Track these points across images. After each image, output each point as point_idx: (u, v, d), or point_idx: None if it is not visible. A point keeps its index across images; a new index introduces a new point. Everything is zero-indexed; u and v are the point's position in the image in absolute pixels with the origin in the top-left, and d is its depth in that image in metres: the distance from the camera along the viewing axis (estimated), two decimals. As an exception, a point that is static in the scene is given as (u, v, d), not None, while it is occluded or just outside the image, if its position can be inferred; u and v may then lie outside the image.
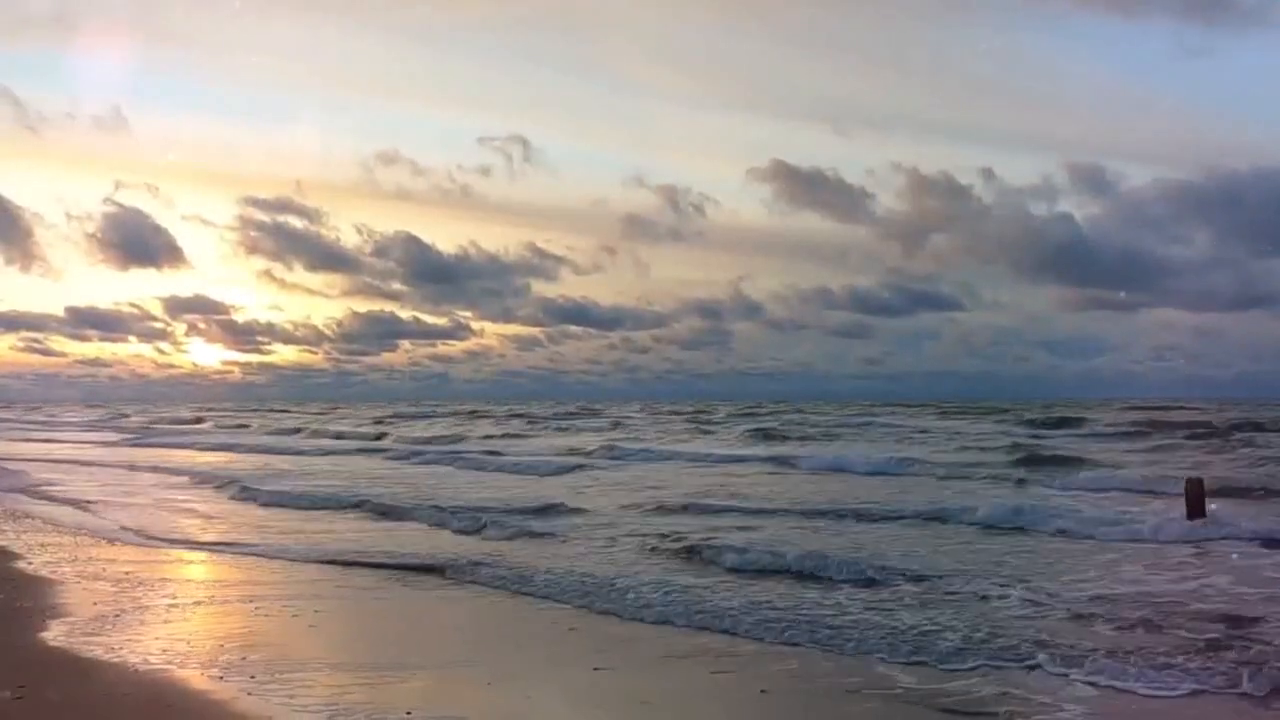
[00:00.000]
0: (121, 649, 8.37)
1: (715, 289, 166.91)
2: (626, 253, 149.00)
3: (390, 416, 74.26)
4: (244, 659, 8.08)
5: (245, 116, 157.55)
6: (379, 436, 48.19)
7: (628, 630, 9.33)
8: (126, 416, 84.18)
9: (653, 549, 13.35)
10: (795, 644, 8.62)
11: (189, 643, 8.62)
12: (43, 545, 14.19)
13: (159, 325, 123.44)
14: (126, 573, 12.05)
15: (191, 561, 13.40)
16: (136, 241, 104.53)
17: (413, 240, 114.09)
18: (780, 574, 11.54)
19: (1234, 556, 12.32)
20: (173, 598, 10.72)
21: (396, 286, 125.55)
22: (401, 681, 7.56)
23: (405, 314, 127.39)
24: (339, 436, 49.60)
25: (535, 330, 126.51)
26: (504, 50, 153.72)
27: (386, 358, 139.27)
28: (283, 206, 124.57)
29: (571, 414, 73.56)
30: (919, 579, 10.96)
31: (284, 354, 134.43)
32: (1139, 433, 36.58)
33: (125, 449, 41.19)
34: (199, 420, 72.84)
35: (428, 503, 18.79)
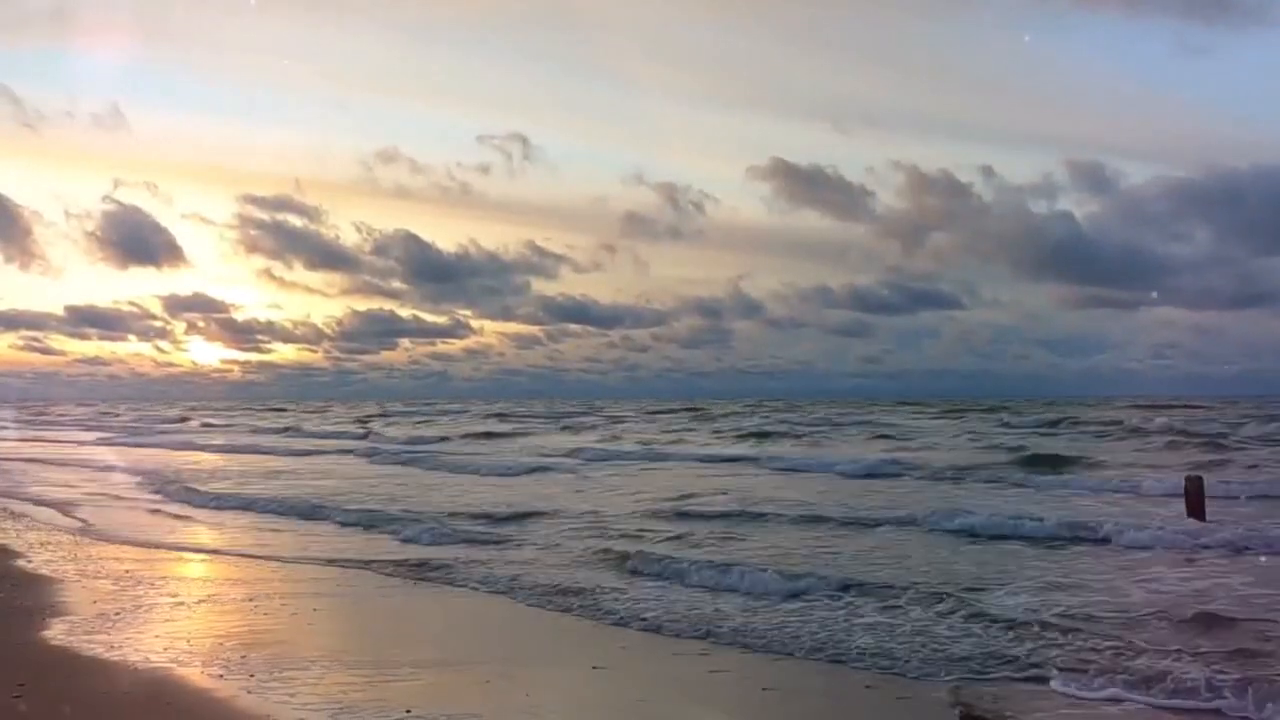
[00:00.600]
0: (122, 647, 8.38)
1: (715, 287, 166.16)
2: (626, 251, 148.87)
3: (375, 415, 73.81)
4: (244, 657, 8.09)
5: (244, 114, 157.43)
6: (365, 435, 47.99)
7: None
8: (116, 415, 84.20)
9: (577, 558, 12.95)
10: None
11: (189, 641, 8.63)
12: (44, 544, 14.20)
13: (158, 324, 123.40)
14: (127, 571, 12.07)
15: (191, 560, 13.41)
16: (136, 240, 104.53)
17: (412, 238, 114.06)
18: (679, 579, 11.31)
19: (1231, 562, 11.93)
20: (173, 596, 10.73)
21: (396, 285, 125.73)
22: (401, 679, 7.57)
23: (405, 312, 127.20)
24: (322, 435, 49.24)
25: (535, 328, 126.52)
26: (503, 48, 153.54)
27: (386, 356, 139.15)
28: (282, 205, 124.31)
29: (555, 414, 73.29)
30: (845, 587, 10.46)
31: (283, 353, 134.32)
32: (1138, 432, 36.50)
33: (91, 447, 41.30)
34: (184, 419, 72.94)
35: (359, 506, 18.39)
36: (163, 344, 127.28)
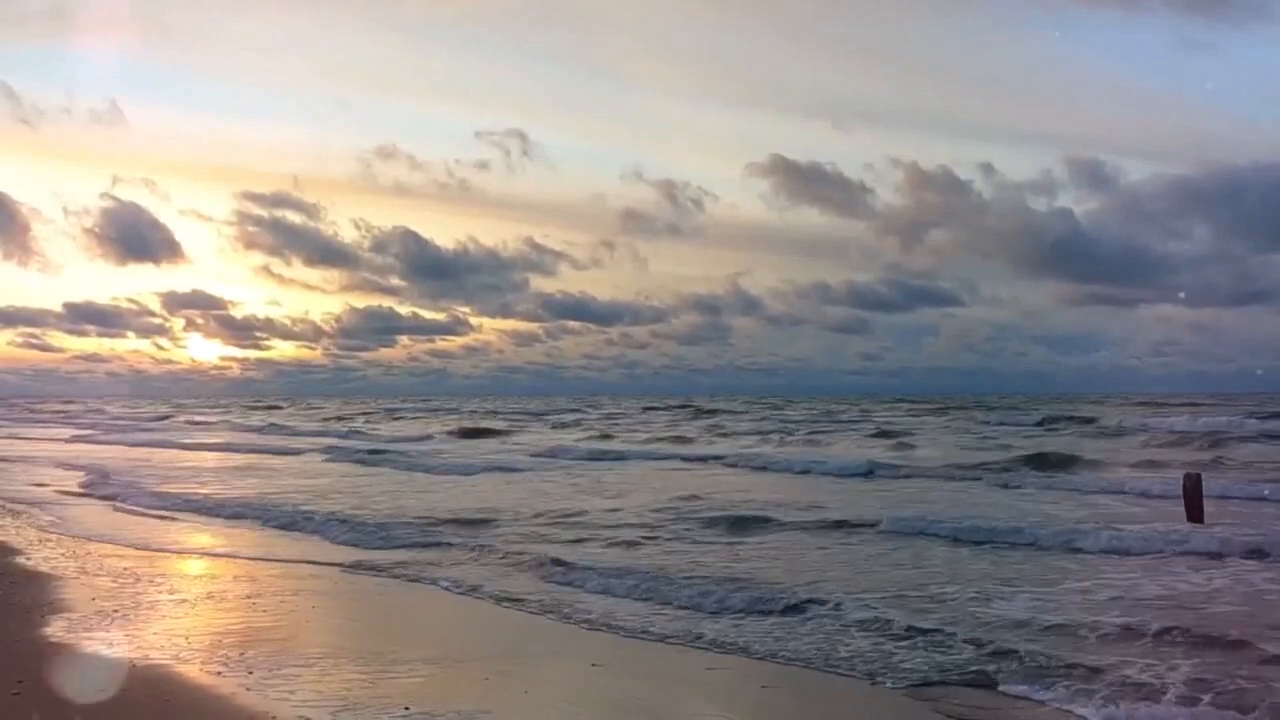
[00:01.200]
0: (121, 644, 8.38)
1: (714, 284, 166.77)
2: (625, 248, 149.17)
3: (357, 414, 73.69)
4: (243, 654, 8.09)
5: (242, 111, 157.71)
6: (347, 434, 47.78)
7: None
8: (100, 412, 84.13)
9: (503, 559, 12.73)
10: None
11: (188, 638, 8.63)
12: (42, 540, 14.20)
13: (157, 321, 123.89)
14: (126, 568, 12.07)
15: (191, 557, 13.40)
16: (134, 236, 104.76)
17: (411, 235, 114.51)
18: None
19: (1230, 570, 11.42)
20: (172, 593, 10.74)
21: (395, 282, 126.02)
22: (400, 676, 7.58)
23: (404, 309, 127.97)
24: (298, 433, 48.93)
25: (534, 326, 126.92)
26: (502, 45, 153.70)
27: (385, 353, 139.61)
28: (280, 201, 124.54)
29: (542, 411, 73.13)
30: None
31: (282, 349, 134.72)
32: (1136, 430, 36.46)
33: (55, 444, 41.44)
34: (166, 417, 72.85)
35: (273, 507, 18.07)
36: (161, 341, 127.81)
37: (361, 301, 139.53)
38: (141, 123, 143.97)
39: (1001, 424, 45.29)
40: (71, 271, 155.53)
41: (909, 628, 8.75)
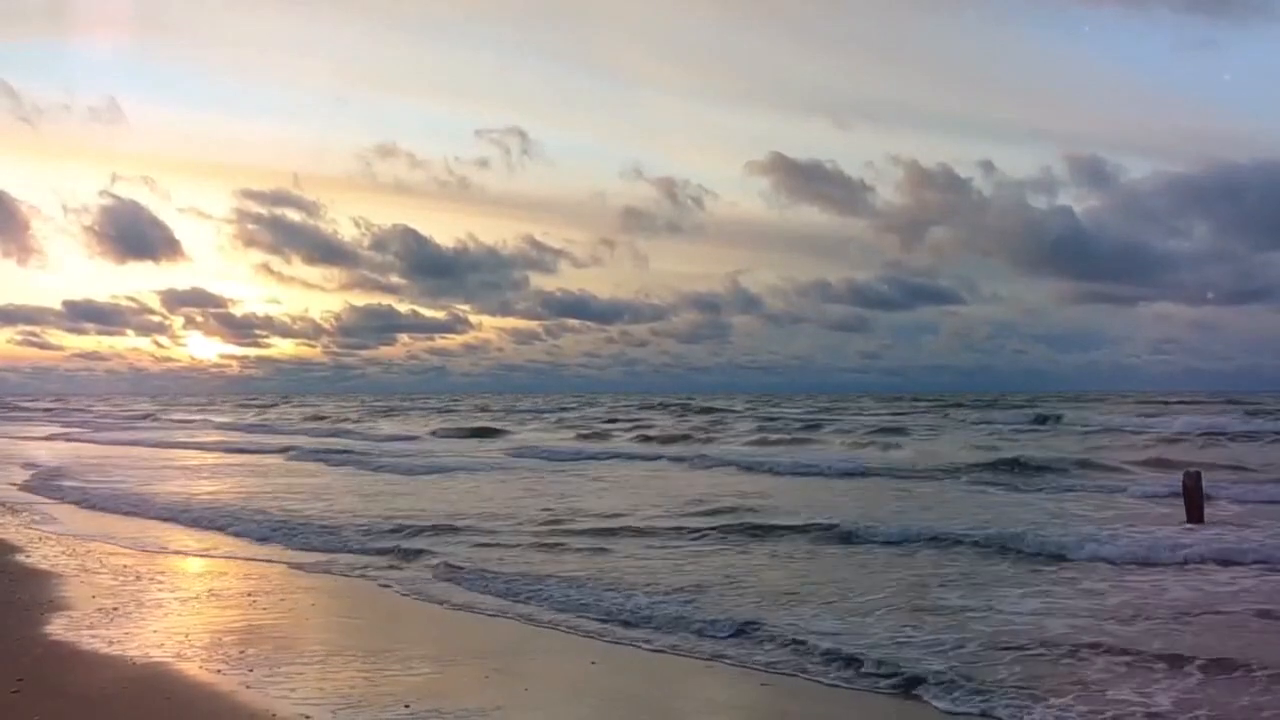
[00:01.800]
0: (121, 642, 8.39)
1: (713, 282, 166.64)
2: (625, 246, 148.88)
3: (351, 412, 73.47)
4: (243, 653, 8.09)
5: (242, 109, 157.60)
6: (332, 433, 47.34)
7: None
8: (88, 410, 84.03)
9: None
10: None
11: (188, 636, 8.64)
12: (43, 538, 14.20)
13: (156, 319, 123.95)
14: (125, 566, 12.08)
15: (191, 556, 13.40)
16: (133, 234, 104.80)
17: (411, 233, 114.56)
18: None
19: (1201, 578, 10.78)
20: (172, 591, 10.74)
21: (394, 280, 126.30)
22: (400, 675, 7.58)
23: (403, 307, 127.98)
24: (275, 431, 48.73)
25: (533, 324, 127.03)
26: (502, 42, 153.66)
27: (384, 351, 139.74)
28: (280, 199, 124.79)
29: (535, 410, 73.07)
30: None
31: (282, 347, 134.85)
32: (1136, 429, 36.38)
33: (29, 441, 41.60)
34: (149, 415, 73.08)
35: (196, 506, 17.87)
36: (161, 339, 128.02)
37: (361, 299, 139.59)
38: (141, 120, 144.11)
39: (999, 423, 45.04)
40: (71, 269, 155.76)
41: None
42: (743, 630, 8.77)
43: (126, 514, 17.41)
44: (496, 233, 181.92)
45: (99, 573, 11.60)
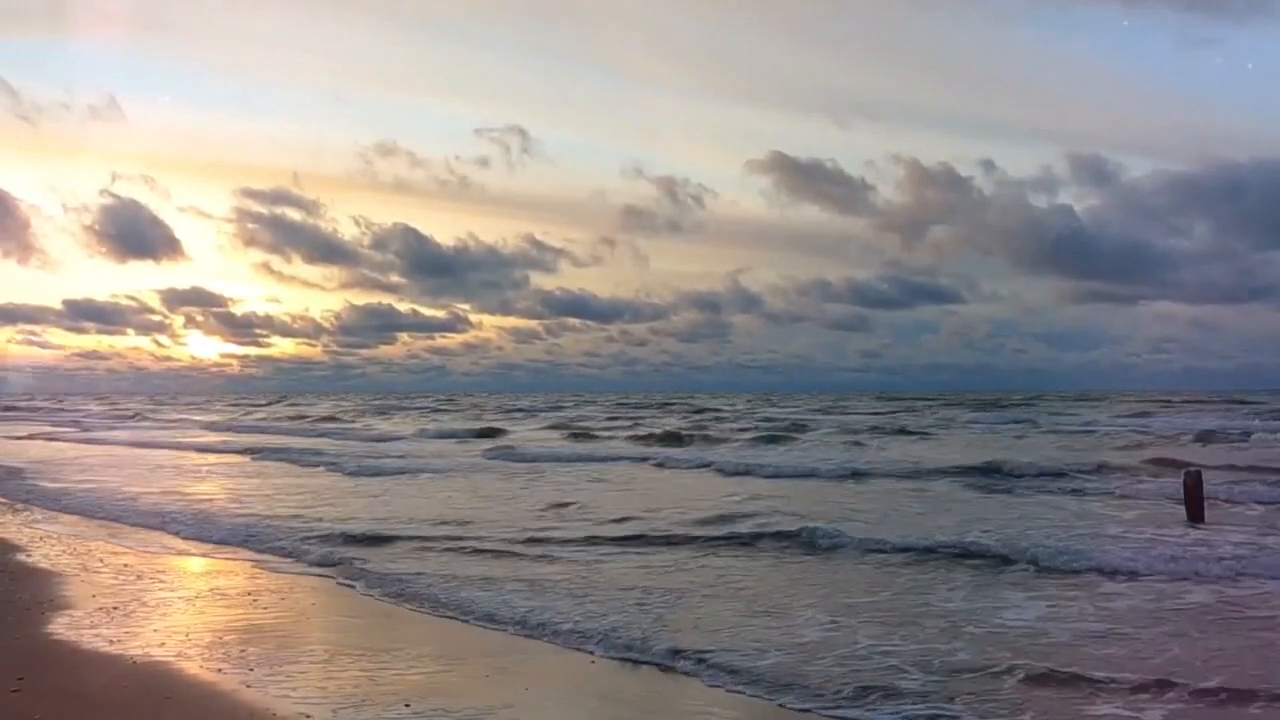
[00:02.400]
0: (121, 641, 8.40)
1: (714, 281, 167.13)
2: (625, 245, 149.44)
3: (347, 411, 73.35)
4: (243, 651, 8.10)
5: (242, 108, 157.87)
6: (317, 434, 46.93)
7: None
8: (78, 409, 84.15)
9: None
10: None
11: (188, 635, 8.65)
12: (43, 537, 14.21)
13: (156, 318, 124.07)
14: (126, 565, 12.09)
15: (191, 555, 13.41)
16: (133, 233, 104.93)
17: (411, 232, 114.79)
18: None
19: (1185, 590, 10.14)
20: (172, 590, 10.75)
21: (394, 279, 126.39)
22: (400, 674, 7.59)
23: (403, 306, 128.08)
24: (263, 431, 48.28)
25: (533, 323, 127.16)
26: (502, 41, 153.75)
27: (384, 350, 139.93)
28: (280, 198, 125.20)
29: (534, 409, 72.85)
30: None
31: (282, 346, 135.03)
32: (1136, 429, 36.32)
33: (7, 441, 41.46)
34: (137, 414, 73.15)
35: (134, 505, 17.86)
36: (161, 338, 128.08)
37: (361, 298, 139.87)
38: (141, 119, 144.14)
39: (997, 422, 45.05)
40: (71, 268, 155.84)
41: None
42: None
43: (49, 510, 17.71)
44: (497, 232, 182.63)
45: (100, 572, 11.61)
